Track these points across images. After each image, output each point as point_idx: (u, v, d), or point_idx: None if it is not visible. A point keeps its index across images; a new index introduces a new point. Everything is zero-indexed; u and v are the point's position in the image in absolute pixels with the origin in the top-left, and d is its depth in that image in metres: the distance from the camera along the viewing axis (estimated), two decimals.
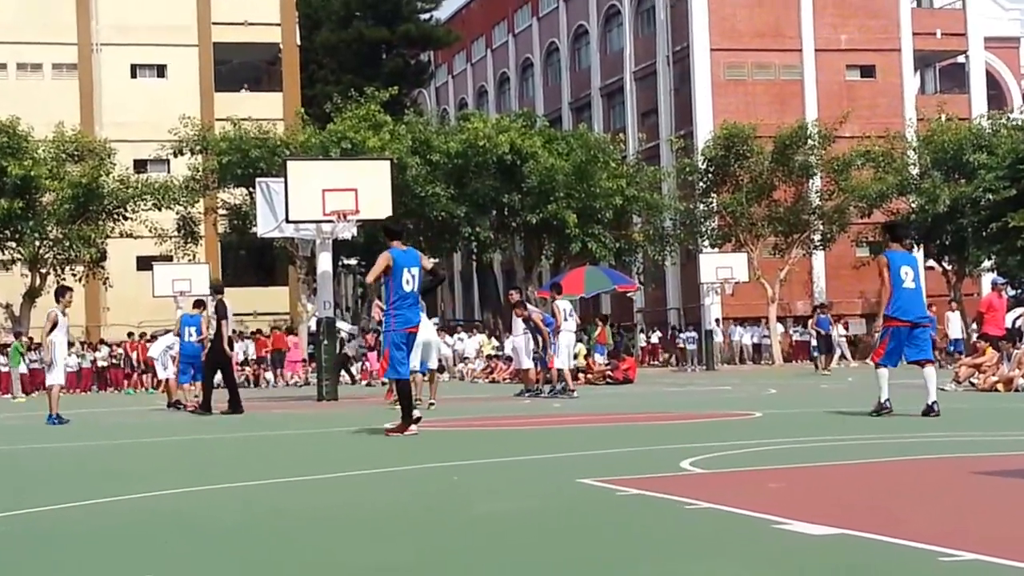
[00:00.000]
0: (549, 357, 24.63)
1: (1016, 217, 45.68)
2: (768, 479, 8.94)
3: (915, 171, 52.12)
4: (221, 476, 10.46)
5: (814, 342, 40.49)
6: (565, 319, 25.32)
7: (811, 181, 53.44)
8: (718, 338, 52.29)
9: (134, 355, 43.68)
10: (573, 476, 9.03)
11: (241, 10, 60.43)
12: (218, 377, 22.54)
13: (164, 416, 21.45)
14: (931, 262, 54.04)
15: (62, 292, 20.76)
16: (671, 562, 5.83)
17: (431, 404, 20.29)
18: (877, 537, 6.04)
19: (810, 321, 43.36)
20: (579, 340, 35.08)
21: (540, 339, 24.64)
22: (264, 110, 56.03)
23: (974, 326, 29.03)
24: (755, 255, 51.49)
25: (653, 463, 10.32)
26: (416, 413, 14.14)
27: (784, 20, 63.30)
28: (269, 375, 44.65)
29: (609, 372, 34.03)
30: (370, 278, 14.46)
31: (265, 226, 27.94)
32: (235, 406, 21.79)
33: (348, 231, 25.82)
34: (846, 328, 49.72)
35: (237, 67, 61.68)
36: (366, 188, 25.24)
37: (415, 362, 20.46)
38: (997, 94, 73.00)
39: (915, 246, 52.17)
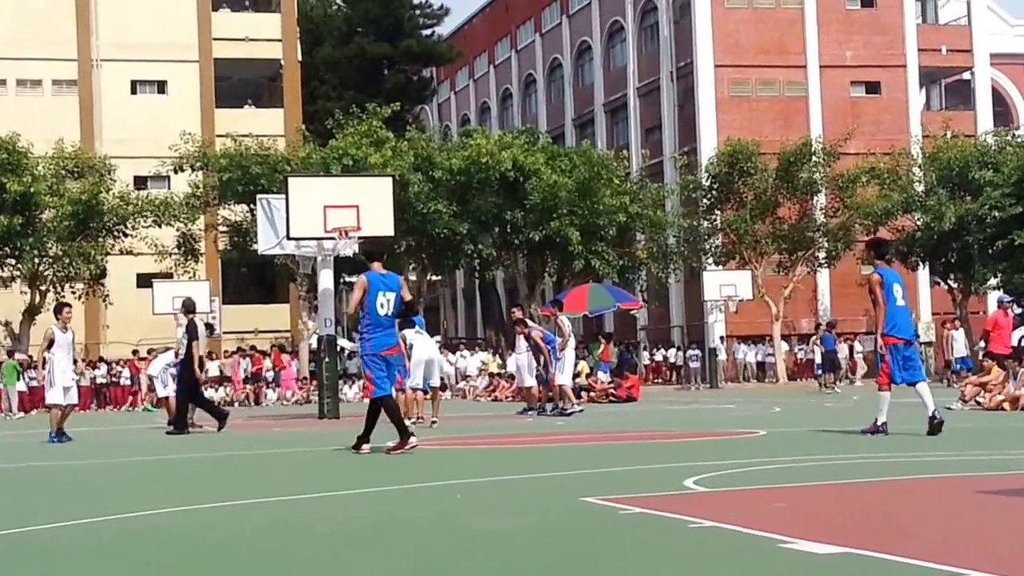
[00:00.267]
0: (551, 375, 24.60)
1: (1022, 235, 45.57)
2: (773, 498, 8.97)
3: (920, 188, 51.98)
4: (221, 494, 10.51)
5: (818, 359, 40.40)
6: (569, 334, 25.26)
7: (815, 198, 53.36)
8: (722, 356, 52.22)
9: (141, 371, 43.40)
10: (576, 494, 9.04)
11: (242, 26, 60.55)
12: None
13: (162, 434, 21.41)
14: (937, 279, 53.95)
15: (60, 308, 20.86)
16: None
17: (433, 422, 20.23)
18: (882, 556, 6.05)
19: (812, 339, 43.26)
20: (581, 358, 35.01)
21: (541, 357, 24.60)
22: (265, 126, 56.09)
23: (981, 344, 28.88)
24: (759, 273, 51.42)
25: (657, 481, 10.32)
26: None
27: (788, 36, 63.31)
28: (272, 393, 44.53)
29: (612, 390, 33.91)
30: (350, 308, 14.66)
31: (266, 243, 27.85)
32: (219, 418, 21.88)
33: (349, 248, 25.73)
34: (862, 345, 49.49)
35: (238, 83, 61.69)
36: (368, 205, 25.19)
37: (417, 380, 20.46)
38: (1003, 111, 72.90)
39: (921, 264, 52.25)
